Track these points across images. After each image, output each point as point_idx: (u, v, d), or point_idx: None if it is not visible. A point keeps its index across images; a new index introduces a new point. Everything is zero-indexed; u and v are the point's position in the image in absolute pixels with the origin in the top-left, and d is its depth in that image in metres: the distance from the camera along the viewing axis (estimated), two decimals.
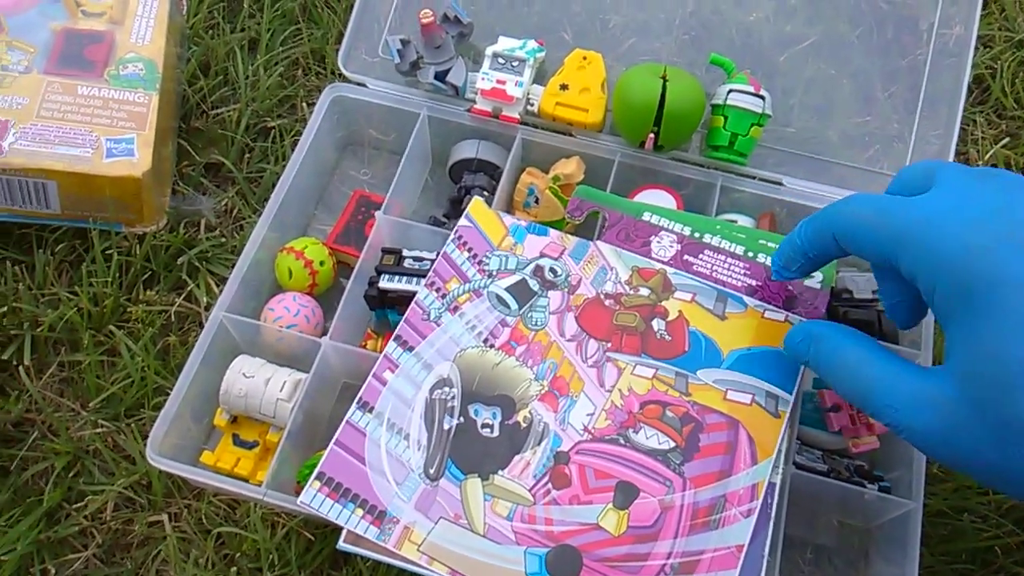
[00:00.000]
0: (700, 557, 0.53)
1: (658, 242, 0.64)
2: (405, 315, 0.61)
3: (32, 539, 0.63)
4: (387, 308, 0.69)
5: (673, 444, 0.56)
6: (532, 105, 0.74)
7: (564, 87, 0.74)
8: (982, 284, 0.42)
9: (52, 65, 0.74)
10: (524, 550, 0.53)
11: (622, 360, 0.60)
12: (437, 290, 0.62)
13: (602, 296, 0.62)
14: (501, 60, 0.74)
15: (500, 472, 0.55)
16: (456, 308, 0.61)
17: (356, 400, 0.58)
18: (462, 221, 0.66)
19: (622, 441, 0.57)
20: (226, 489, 0.60)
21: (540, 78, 0.76)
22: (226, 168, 0.81)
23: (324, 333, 0.67)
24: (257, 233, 0.69)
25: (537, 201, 0.74)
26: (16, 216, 0.73)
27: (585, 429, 0.57)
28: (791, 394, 0.58)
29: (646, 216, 0.65)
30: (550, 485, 0.55)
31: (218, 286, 0.74)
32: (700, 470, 0.56)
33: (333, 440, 0.56)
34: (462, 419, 0.57)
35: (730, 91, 0.70)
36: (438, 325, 0.61)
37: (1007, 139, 0.85)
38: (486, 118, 0.75)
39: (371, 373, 0.59)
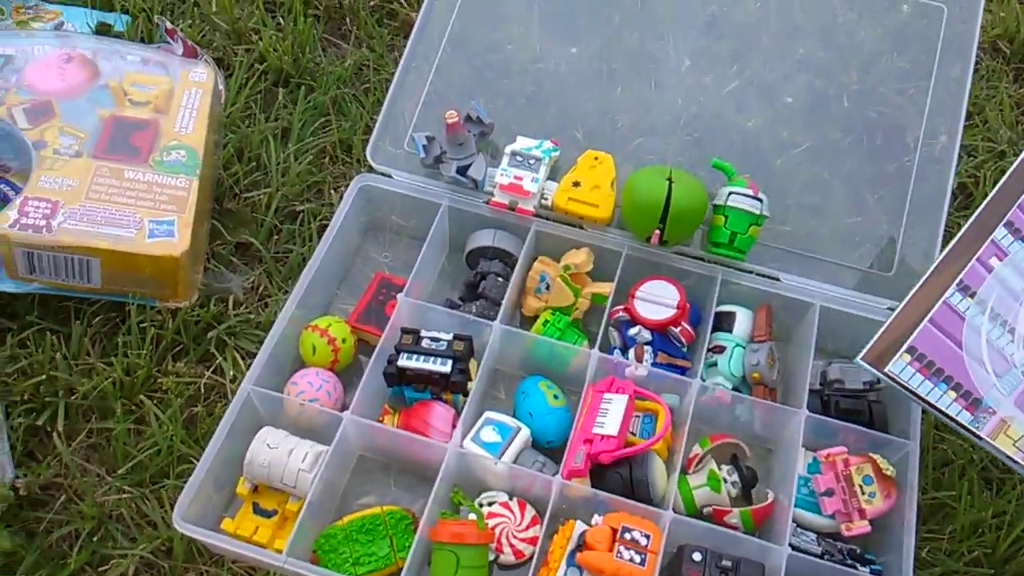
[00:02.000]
0: None
1: None
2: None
3: None
4: (404, 385, 0.73)
5: None
6: (546, 199, 0.80)
7: (576, 184, 0.79)
8: None
9: (100, 150, 0.79)
10: None
11: None
12: None
13: None
14: (519, 158, 0.80)
15: None
16: None
17: (956, 282, 0.55)
18: None
19: None
20: (248, 556, 0.63)
21: (554, 175, 0.81)
22: (255, 248, 0.85)
23: (343, 407, 0.70)
24: (285, 311, 0.74)
25: (548, 288, 0.78)
26: (58, 289, 0.77)
27: None
28: None
29: None
30: None
31: (243, 359, 0.78)
32: None
33: (927, 318, 0.54)
34: None
35: (730, 193, 0.76)
36: None
37: None
38: (503, 210, 0.80)
39: (974, 257, 0.56)
